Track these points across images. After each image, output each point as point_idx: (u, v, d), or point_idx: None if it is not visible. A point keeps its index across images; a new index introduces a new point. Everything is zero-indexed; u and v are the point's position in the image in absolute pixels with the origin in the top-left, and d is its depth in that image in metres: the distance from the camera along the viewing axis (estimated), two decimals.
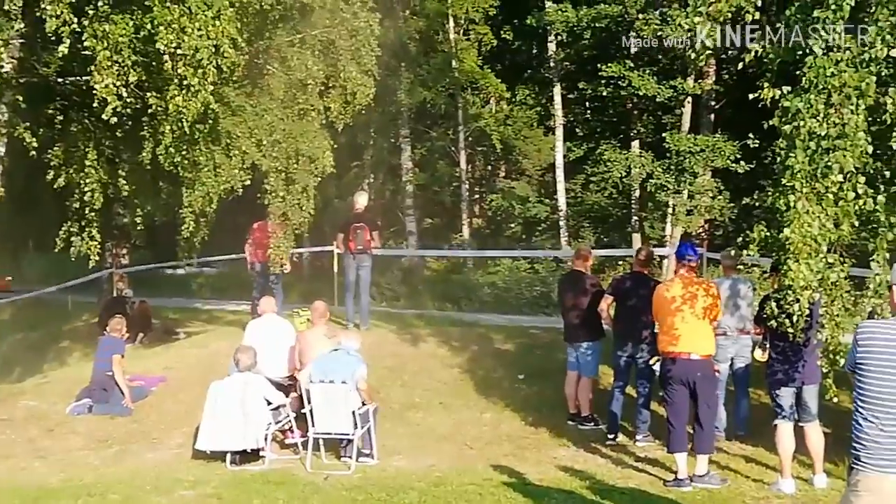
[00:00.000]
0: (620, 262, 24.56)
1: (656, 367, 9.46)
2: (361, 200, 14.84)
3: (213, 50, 10.74)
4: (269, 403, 10.33)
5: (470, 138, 31.36)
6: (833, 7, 7.62)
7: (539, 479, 9.17)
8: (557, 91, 29.74)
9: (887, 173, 7.94)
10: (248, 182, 13.51)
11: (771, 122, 8.10)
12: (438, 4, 29.57)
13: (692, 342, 8.88)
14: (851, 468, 4.82)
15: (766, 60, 9.00)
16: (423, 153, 32.34)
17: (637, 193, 28.39)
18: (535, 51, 32.80)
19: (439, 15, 29.88)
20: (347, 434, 9.88)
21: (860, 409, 4.77)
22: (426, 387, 12.48)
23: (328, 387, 9.88)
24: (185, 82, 10.75)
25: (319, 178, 14.29)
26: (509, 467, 9.57)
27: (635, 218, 28.63)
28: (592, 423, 10.83)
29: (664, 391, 9.25)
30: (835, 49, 7.63)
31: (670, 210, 27.38)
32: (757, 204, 23.03)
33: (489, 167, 36.65)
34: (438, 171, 32.09)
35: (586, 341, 10.93)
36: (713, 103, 28.19)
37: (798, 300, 7.60)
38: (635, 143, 28.74)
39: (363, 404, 10.00)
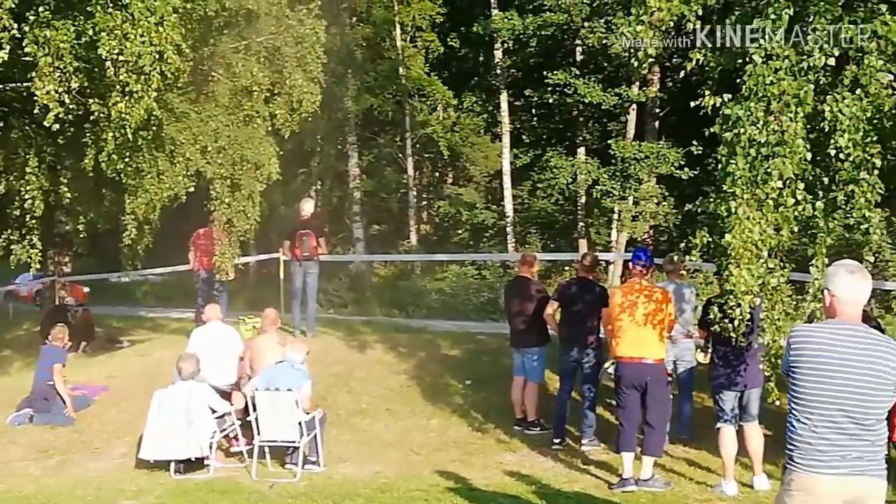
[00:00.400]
0: (567, 268, 24.70)
1: (611, 371, 9.55)
2: (308, 207, 14.80)
3: (157, 56, 10.62)
4: (214, 411, 10.25)
5: (417, 145, 31.35)
6: (772, 16, 7.75)
7: (485, 484, 9.20)
8: (504, 98, 29.86)
9: (826, 180, 8.05)
10: (193, 189, 13.40)
11: (712, 130, 8.20)
12: (385, 12, 29.59)
13: (644, 346, 8.98)
14: (785, 468, 4.93)
15: (707, 68, 9.15)
16: (370, 160, 32.30)
17: (583, 199, 28.58)
18: (481, 58, 32.88)
19: (386, 22, 29.90)
20: (293, 441, 9.83)
21: (794, 412, 4.86)
22: (373, 393, 12.46)
23: (274, 395, 9.82)
24: (127, 88, 10.61)
25: (265, 185, 14.20)
26: (455, 473, 9.59)
27: (581, 224, 28.82)
28: (539, 428, 10.87)
29: (616, 394, 9.32)
30: (774, 57, 7.74)
31: (616, 216, 27.64)
32: (700, 210, 23.32)
33: (436, 173, 36.67)
34: (386, 178, 32.07)
35: (532, 347, 10.98)
36: (658, 110, 28.54)
37: (739, 305, 7.72)
38: (581, 150, 28.97)
39: (305, 412, 9.96)
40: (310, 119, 15.52)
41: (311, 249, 14.15)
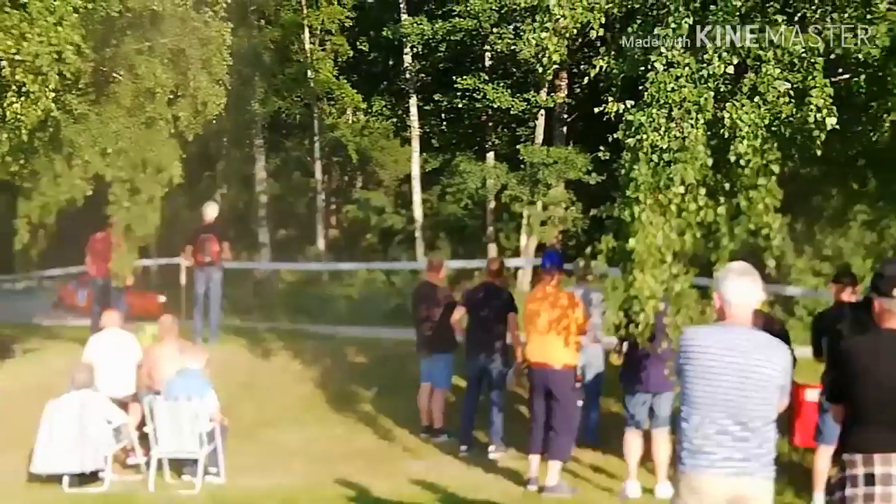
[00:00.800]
0: (476, 273, 24.71)
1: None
2: (211, 211, 14.49)
3: (55, 56, 10.35)
4: (110, 423, 9.93)
5: (326, 148, 31.17)
6: (673, 25, 7.84)
7: (391, 493, 9.08)
8: (413, 102, 29.86)
9: (727, 185, 8.14)
10: (90, 192, 13.04)
11: (616, 136, 8.24)
12: (293, 15, 29.34)
13: (549, 352, 8.96)
14: (677, 469, 4.97)
15: (611, 75, 9.21)
16: (277, 163, 31.99)
17: (492, 204, 28.71)
18: (391, 62, 32.87)
19: (294, 25, 29.63)
20: (193, 453, 9.58)
21: (683, 413, 4.92)
22: (278, 402, 12.24)
23: (173, 405, 9.56)
24: (24, 89, 10.34)
25: (167, 189, 13.88)
26: (360, 482, 9.44)
27: (491, 229, 28.95)
28: (445, 435, 10.79)
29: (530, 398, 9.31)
30: (675, 65, 7.81)
31: (525, 221, 27.79)
32: (606, 215, 23.55)
33: (345, 178, 36.52)
34: (293, 182, 31.82)
35: (439, 353, 10.90)
36: (566, 116, 28.80)
37: (643, 310, 7.75)
38: (490, 155, 29.11)
39: (210, 421, 9.72)
40: (215, 121, 15.25)
41: (214, 254, 13.87)
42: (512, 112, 27.55)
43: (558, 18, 8.47)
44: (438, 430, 10.88)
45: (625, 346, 9.03)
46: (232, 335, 15.02)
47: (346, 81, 30.21)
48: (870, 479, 4.69)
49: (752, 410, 4.76)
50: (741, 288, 4.89)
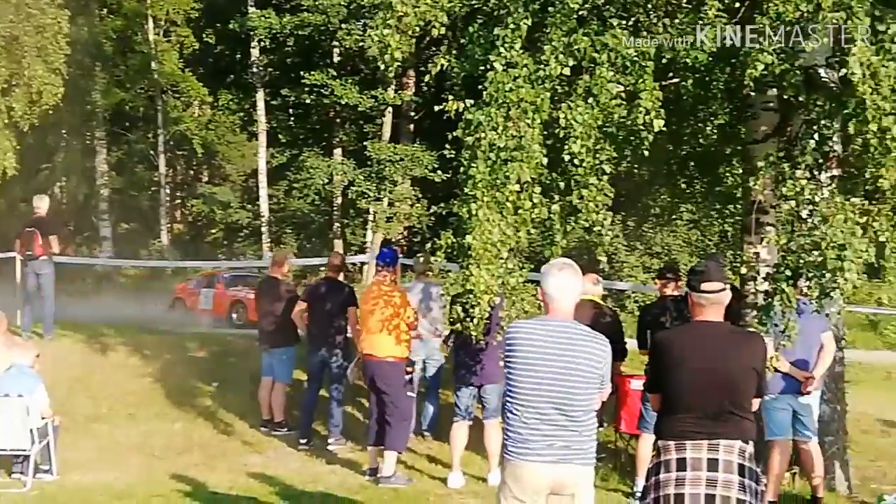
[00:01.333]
0: (322, 269, 24.65)
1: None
2: (40, 204, 13.95)
3: None
4: None
5: (171, 142, 30.55)
6: (511, 26, 8.01)
7: (229, 487, 9.02)
8: (261, 97, 29.60)
9: (561, 184, 8.38)
10: None
11: (455, 134, 8.40)
12: (137, 4, 28.71)
13: (380, 345, 9.06)
14: (503, 457, 5.15)
15: (452, 74, 9.38)
16: (119, 156, 31.19)
17: (339, 201, 28.69)
18: (238, 56, 32.42)
19: (138, 15, 28.99)
20: (25, 450, 9.29)
21: (507, 403, 5.09)
22: (114, 397, 11.97)
23: (3, 401, 9.25)
24: None
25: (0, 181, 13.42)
26: (198, 477, 9.34)
27: (337, 225, 28.94)
28: (285, 429, 10.79)
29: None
30: (514, 65, 8.01)
31: (371, 217, 27.88)
32: (448, 212, 23.88)
33: (191, 171, 35.84)
34: (136, 175, 31.06)
35: (280, 347, 10.91)
36: (413, 114, 29.02)
37: (478, 304, 7.93)
38: (338, 151, 29.11)
39: (42, 418, 9.45)
40: (52, 112, 14.81)
41: (37, 248, 13.38)
42: (360, 109, 27.60)
43: (401, 15, 8.57)
44: (279, 423, 10.87)
45: (454, 339, 9.24)
46: (69, 330, 14.59)
47: (191, 74, 29.71)
48: (682, 464, 4.96)
49: (573, 400, 4.94)
50: (561, 283, 5.08)
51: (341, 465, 9.71)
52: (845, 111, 7.15)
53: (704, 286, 5.03)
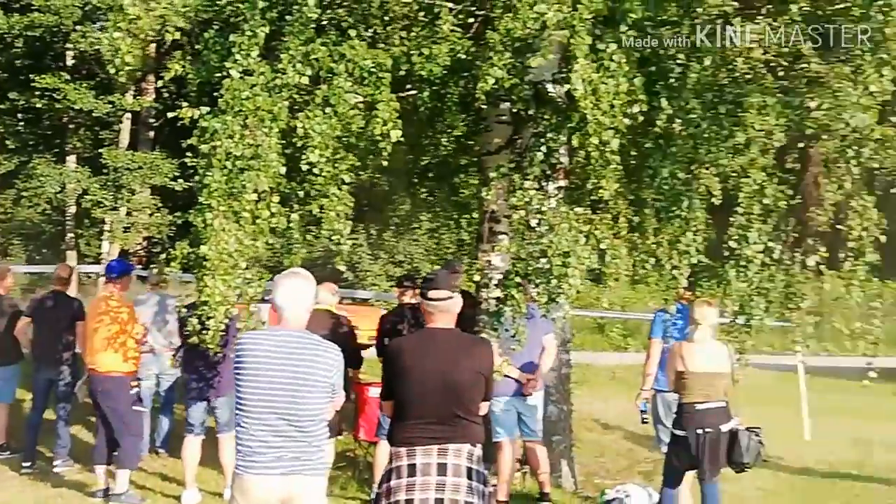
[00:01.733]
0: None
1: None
2: None
3: None
4: None
5: None
6: (248, 33, 7.91)
7: None
8: None
9: (301, 193, 8.35)
10: None
11: (190, 142, 8.21)
12: None
13: (102, 360, 8.71)
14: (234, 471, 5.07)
15: (188, 80, 9.16)
16: None
17: (73, 209, 27.40)
18: None
19: None
20: None
21: (237, 416, 5.02)
22: None
23: None
24: None
25: None
26: None
27: (71, 235, 27.61)
28: (8, 452, 10.17)
29: None
30: (251, 73, 7.92)
31: (107, 227, 26.81)
32: (185, 221, 23.39)
33: None
34: None
35: (2, 365, 10.27)
36: (152, 120, 28.16)
37: (214, 315, 7.76)
38: (71, 158, 27.75)
39: None
40: None
41: None
42: (95, 114, 26.41)
43: (133, 19, 8.28)
44: (0, 446, 10.22)
45: (183, 352, 9.04)
46: None
47: None
48: (412, 470, 5.04)
49: (302, 411, 4.90)
50: (290, 292, 5.07)
51: (68, 487, 9.20)
52: (570, 125, 7.49)
53: (432, 294, 5.15)
